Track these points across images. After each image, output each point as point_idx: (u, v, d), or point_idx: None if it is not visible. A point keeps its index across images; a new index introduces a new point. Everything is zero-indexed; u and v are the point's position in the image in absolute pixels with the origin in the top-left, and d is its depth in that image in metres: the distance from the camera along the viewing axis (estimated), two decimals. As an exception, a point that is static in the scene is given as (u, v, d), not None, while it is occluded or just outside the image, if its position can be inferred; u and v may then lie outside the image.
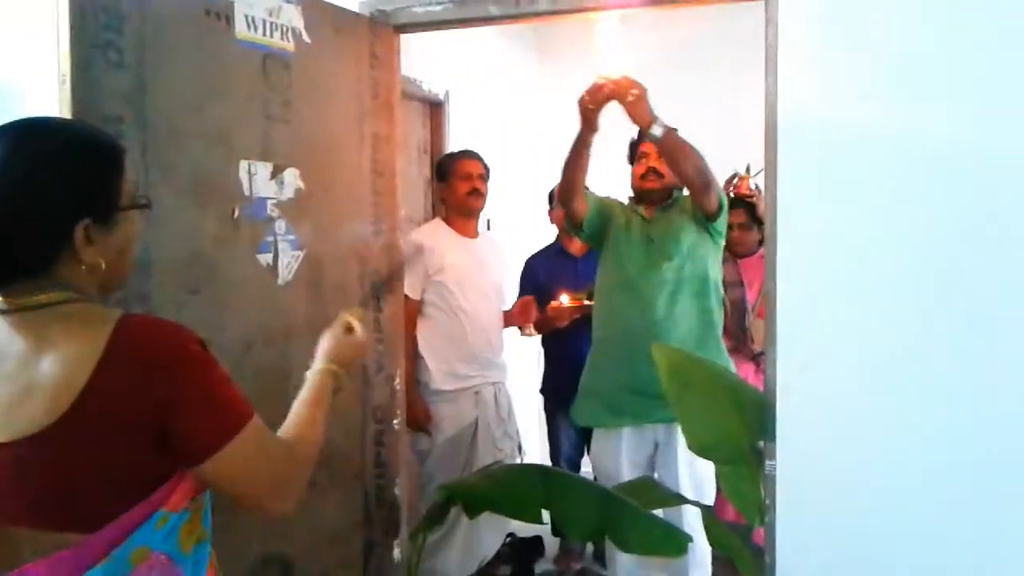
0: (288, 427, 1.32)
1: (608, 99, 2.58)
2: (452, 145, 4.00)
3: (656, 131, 2.56)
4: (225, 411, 1.19)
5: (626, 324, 2.77)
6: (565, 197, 2.90)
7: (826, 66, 1.79)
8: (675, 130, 2.62)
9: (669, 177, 2.84)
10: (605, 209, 2.95)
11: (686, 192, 2.86)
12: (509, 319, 3.40)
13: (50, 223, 1.15)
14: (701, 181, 2.66)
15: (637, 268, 2.78)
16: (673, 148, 2.62)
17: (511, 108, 4.77)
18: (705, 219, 2.75)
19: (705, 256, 2.80)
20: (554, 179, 3.99)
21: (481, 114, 4.33)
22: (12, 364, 1.13)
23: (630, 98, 2.53)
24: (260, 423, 1.23)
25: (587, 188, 3.68)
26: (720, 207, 2.72)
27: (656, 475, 2.76)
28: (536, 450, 4.07)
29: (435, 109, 4.05)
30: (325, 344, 1.50)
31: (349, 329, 1.53)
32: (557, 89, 5.02)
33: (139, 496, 1.15)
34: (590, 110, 2.61)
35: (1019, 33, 1.64)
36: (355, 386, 2.23)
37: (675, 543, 1.93)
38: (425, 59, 3.53)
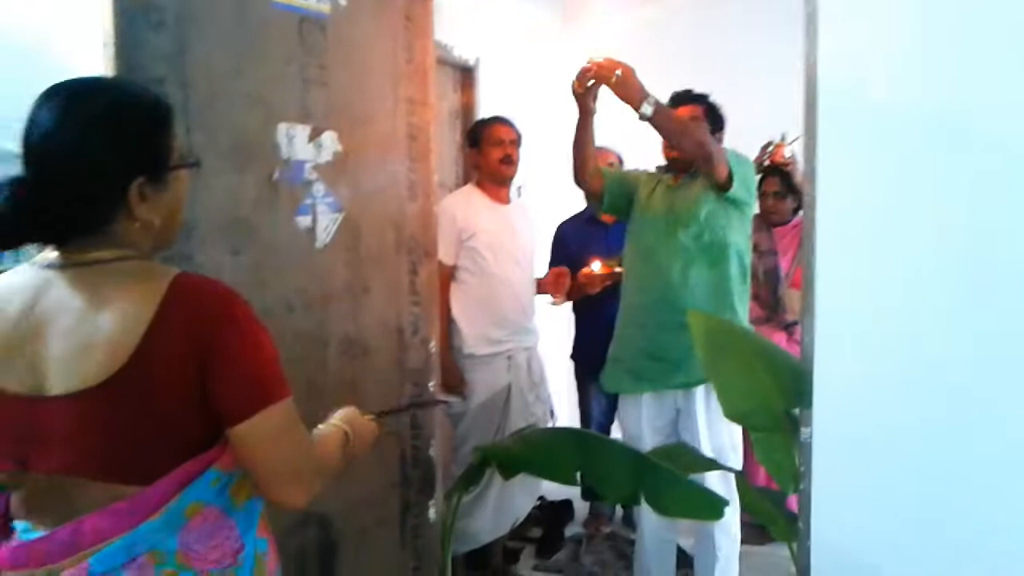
0: (313, 435, 1.35)
1: (594, 82, 2.62)
2: (483, 111, 3.99)
3: (646, 110, 2.54)
4: (261, 381, 1.21)
5: (645, 292, 2.80)
6: (577, 177, 2.98)
7: (868, 33, 1.75)
8: (665, 107, 2.63)
9: None
10: (628, 182, 2.96)
11: None
12: (541, 287, 3.40)
13: (106, 182, 1.18)
14: (701, 154, 2.66)
15: (655, 236, 2.79)
16: (665, 125, 2.62)
17: (539, 73, 4.74)
18: (714, 187, 2.73)
19: (726, 225, 2.77)
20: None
21: (511, 80, 4.31)
22: (70, 319, 1.16)
23: (614, 79, 2.54)
24: (293, 408, 1.24)
25: (610, 164, 3.70)
26: (730, 177, 2.70)
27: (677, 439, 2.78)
28: (566, 415, 4.09)
29: (466, 75, 4.04)
30: (344, 412, 1.48)
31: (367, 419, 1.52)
32: (582, 53, 5.00)
33: (193, 451, 1.19)
34: (580, 95, 2.68)
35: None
36: (392, 350, 2.25)
37: (713, 507, 1.94)
38: (455, 25, 3.52)
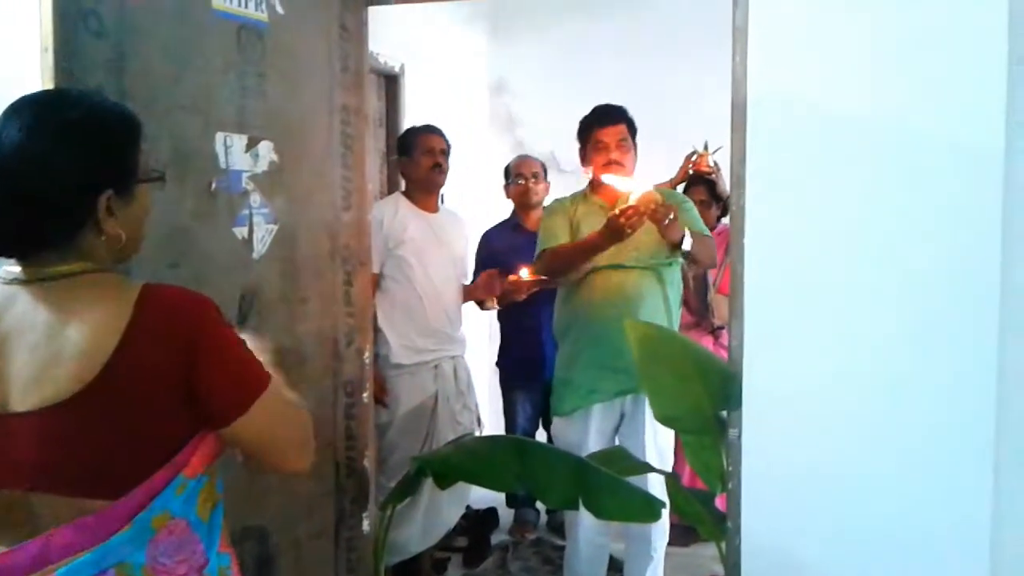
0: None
1: (644, 220, 2.58)
2: (407, 119, 4.00)
3: (687, 245, 2.65)
4: (247, 376, 1.24)
5: (597, 309, 2.83)
6: (557, 274, 2.97)
7: (795, 45, 1.84)
8: (699, 234, 2.75)
9: (629, 167, 2.87)
10: (564, 212, 2.97)
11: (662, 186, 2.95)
12: (471, 292, 3.42)
13: (75, 196, 1.17)
14: (710, 262, 2.91)
15: (606, 256, 2.78)
16: (698, 249, 2.74)
17: (463, 83, 4.78)
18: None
19: (668, 251, 2.83)
20: (508, 156, 4.04)
21: (435, 88, 4.33)
22: (36, 334, 1.14)
23: (667, 222, 2.57)
24: (277, 385, 1.28)
25: (534, 174, 3.77)
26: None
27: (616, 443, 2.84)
28: (491, 423, 4.12)
29: (390, 82, 4.04)
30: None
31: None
32: (508, 67, 5.07)
33: (160, 461, 1.18)
34: (618, 226, 2.58)
35: (991, 23, 1.71)
36: (327, 360, 2.24)
37: (651, 509, 1.99)
38: (381, 33, 3.52)
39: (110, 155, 1.20)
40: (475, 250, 3.81)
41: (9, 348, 1.15)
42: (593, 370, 2.86)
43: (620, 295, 2.81)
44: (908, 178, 1.79)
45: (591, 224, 2.86)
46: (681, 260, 2.91)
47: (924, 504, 1.82)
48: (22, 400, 1.13)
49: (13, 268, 1.19)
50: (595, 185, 2.96)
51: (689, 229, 2.73)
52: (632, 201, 2.56)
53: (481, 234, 3.89)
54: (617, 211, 2.58)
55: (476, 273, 3.63)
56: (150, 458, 1.18)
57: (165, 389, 1.17)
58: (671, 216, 2.56)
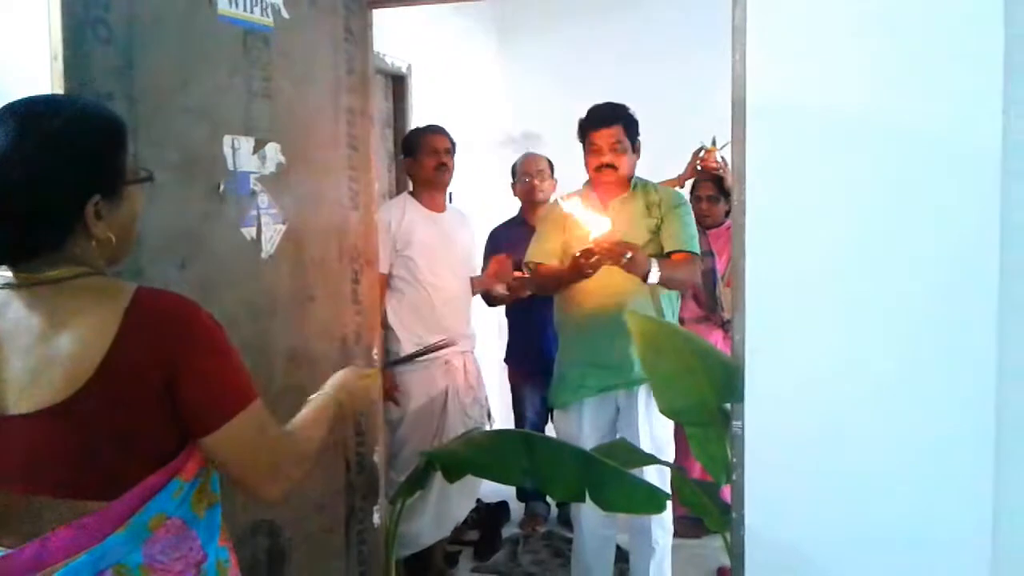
0: (291, 425, 1.39)
1: (604, 262, 2.63)
2: (414, 119, 4.03)
3: (654, 277, 2.68)
4: (230, 390, 1.24)
5: (584, 307, 2.88)
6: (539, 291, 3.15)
7: (794, 43, 1.86)
8: (666, 263, 2.78)
9: (624, 169, 2.90)
10: (559, 228, 3.00)
11: (645, 182, 2.97)
12: (482, 283, 3.45)
13: (63, 202, 1.18)
14: (689, 283, 2.98)
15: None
16: (674, 278, 2.80)
17: (471, 83, 4.80)
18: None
19: (660, 245, 2.90)
20: (516, 154, 4.07)
21: (442, 89, 4.36)
22: (30, 338, 1.16)
23: (623, 261, 2.61)
24: (262, 408, 1.27)
25: (539, 171, 3.81)
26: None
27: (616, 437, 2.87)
28: (500, 418, 4.16)
29: (397, 83, 4.07)
30: (339, 375, 1.56)
31: (362, 376, 1.59)
32: (515, 69, 5.10)
33: (156, 464, 1.20)
34: (580, 268, 2.65)
35: (987, 20, 1.73)
36: (336, 357, 2.28)
37: (656, 501, 2.02)
38: (387, 33, 3.55)
39: (95, 161, 1.20)
40: (483, 247, 3.85)
41: (4, 352, 1.16)
42: (581, 366, 2.92)
43: (606, 294, 2.84)
44: (907, 173, 1.80)
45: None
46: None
47: (925, 494, 1.84)
48: (17, 403, 1.15)
49: (4, 273, 1.20)
50: (594, 183, 2.99)
51: (666, 250, 2.82)
52: (590, 242, 2.62)
53: (489, 232, 3.92)
54: (578, 253, 2.65)
55: (484, 270, 3.66)
56: (144, 460, 1.19)
57: (155, 393, 1.17)
58: (628, 256, 2.60)
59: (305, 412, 1.44)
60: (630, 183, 2.95)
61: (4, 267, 1.21)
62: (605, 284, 2.82)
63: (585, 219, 2.69)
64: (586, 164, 2.96)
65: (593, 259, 2.60)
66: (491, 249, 3.84)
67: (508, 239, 3.81)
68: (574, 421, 2.95)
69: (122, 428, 1.17)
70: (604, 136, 2.87)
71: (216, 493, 1.31)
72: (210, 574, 1.26)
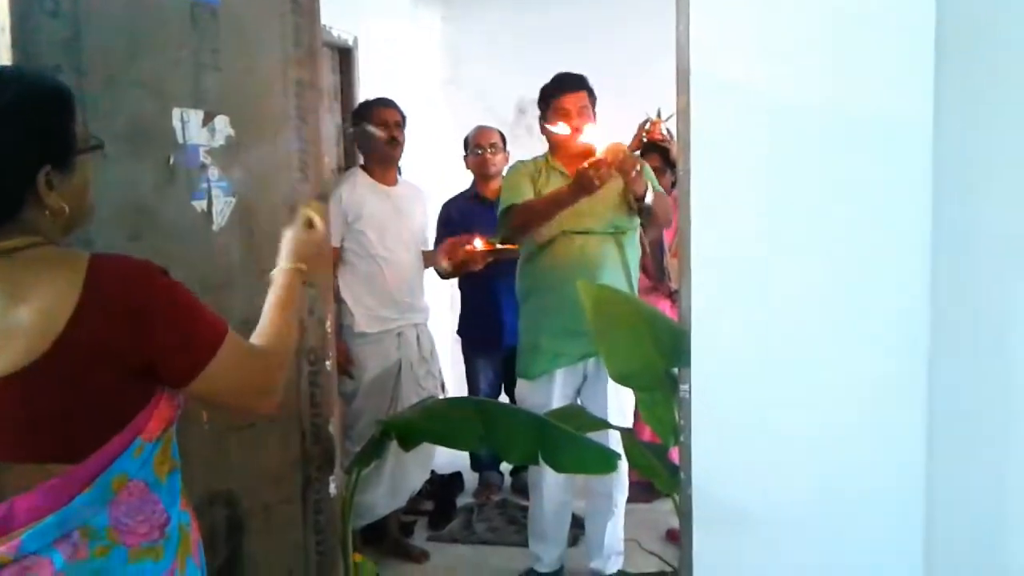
0: (262, 332, 1.41)
1: (611, 171, 2.65)
2: (361, 92, 4.02)
3: (649, 199, 2.71)
4: (202, 333, 1.28)
5: (561, 274, 2.88)
6: (521, 234, 2.99)
7: (734, 15, 1.90)
8: (661, 193, 2.81)
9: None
10: (528, 178, 3.03)
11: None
12: (430, 260, 3.47)
13: (14, 173, 1.19)
14: (666, 220, 2.96)
15: (567, 223, 2.89)
16: (658, 206, 2.81)
17: (417, 55, 4.79)
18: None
19: (630, 217, 2.98)
20: (465, 128, 4.08)
21: (388, 61, 4.35)
22: None
23: (633, 174, 2.64)
24: (235, 336, 1.32)
25: (492, 144, 3.83)
26: None
27: (580, 404, 2.93)
28: (453, 390, 4.20)
29: (344, 55, 4.05)
30: (288, 242, 1.56)
31: (309, 225, 1.60)
32: (458, 43, 5.10)
33: (118, 426, 1.22)
34: (587, 179, 2.65)
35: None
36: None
37: (606, 461, 2.08)
38: (334, 6, 3.53)
39: (45, 131, 1.21)
40: (435, 220, 3.87)
41: None
42: (558, 335, 2.94)
43: (582, 261, 2.88)
44: (847, 144, 1.86)
45: (554, 185, 2.95)
46: (638, 224, 3.00)
47: (863, 452, 1.91)
48: None
49: None
50: (555, 150, 3.02)
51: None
52: (600, 154, 2.62)
53: (441, 204, 3.94)
54: (586, 164, 2.64)
55: (437, 242, 3.68)
56: (107, 423, 1.22)
57: (118, 357, 1.20)
58: (637, 168, 2.63)
59: (272, 299, 1.47)
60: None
61: None
62: (581, 249, 2.87)
63: (594, 140, 2.70)
64: (548, 131, 3.00)
65: (603, 169, 2.61)
66: (443, 221, 3.87)
67: (460, 211, 3.84)
68: (544, 391, 2.98)
69: (85, 392, 1.20)
70: (572, 100, 2.92)
71: (176, 460, 1.34)
72: (173, 536, 1.29)
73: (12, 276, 1.19)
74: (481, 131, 3.97)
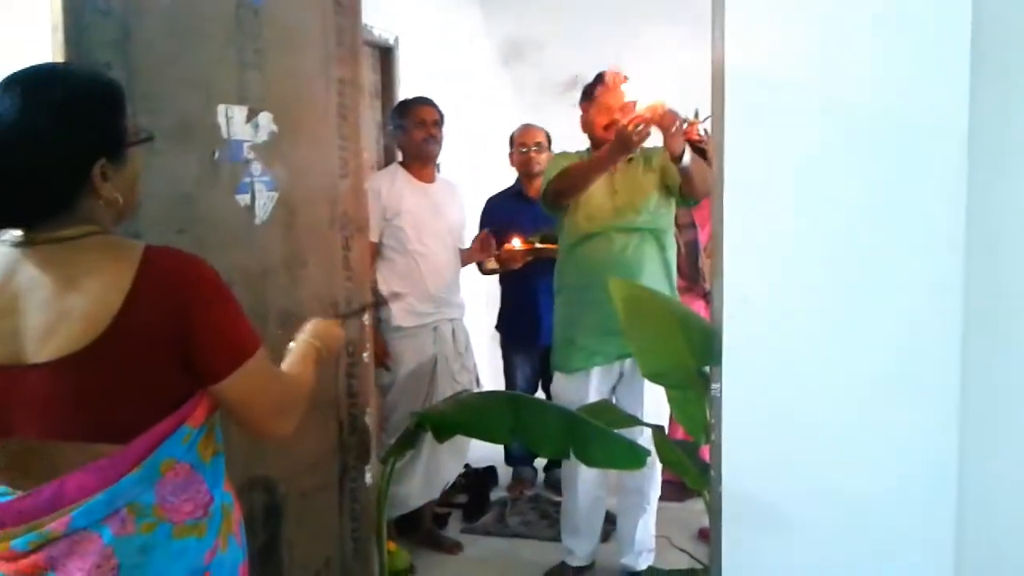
0: (285, 367, 1.48)
1: (650, 128, 2.64)
2: (402, 91, 4.08)
3: (687, 160, 2.68)
4: (241, 337, 1.33)
5: (598, 272, 2.87)
6: (562, 200, 2.98)
7: (769, 18, 1.91)
8: (696, 156, 2.76)
9: None
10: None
11: (648, 147, 3.01)
12: (470, 256, 3.52)
13: (71, 166, 1.25)
14: (707, 191, 2.78)
15: (606, 218, 2.93)
16: (697, 171, 2.75)
17: (457, 54, 4.84)
18: (683, 201, 2.97)
19: (667, 212, 3.01)
20: (509, 125, 4.11)
21: (429, 60, 4.40)
22: (46, 292, 1.23)
23: (673, 130, 2.62)
24: (265, 353, 1.36)
25: (537, 144, 3.84)
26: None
27: (615, 403, 2.95)
28: (490, 385, 4.24)
29: (385, 55, 4.10)
30: (309, 325, 1.64)
31: (334, 325, 1.69)
32: (500, 44, 5.14)
33: (166, 411, 1.28)
34: (627, 135, 2.64)
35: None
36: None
37: (635, 456, 2.10)
38: (375, 5, 3.59)
39: (99, 126, 1.27)
40: (479, 217, 3.91)
41: (23, 305, 1.23)
42: (596, 334, 2.96)
43: (622, 260, 2.91)
44: (881, 145, 1.86)
45: (598, 185, 2.97)
46: (673, 221, 3.01)
47: (894, 451, 1.91)
48: (36, 353, 1.22)
49: (16, 233, 1.28)
50: (596, 144, 3.05)
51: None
52: (640, 110, 2.62)
53: (485, 201, 3.98)
54: (625, 120, 2.63)
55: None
56: (155, 407, 1.27)
57: (166, 345, 1.26)
58: (677, 124, 2.61)
59: (292, 358, 1.54)
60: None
61: (16, 229, 1.28)
62: (622, 248, 2.90)
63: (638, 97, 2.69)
64: (590, 126, 3.03)
65: (642, 125, 2.60)
66: (486, 219, 3.91)
67: (504, 208, 3.88)
68: (580, 387, 3.00)
69: (135, 375, 1.25)
70: (616, 96, 2.93)
71: (220, 443, 1.40)
72: (216, 515, 1.34)
73: (70, 262, 1.25)
74: (526, 129, 3.99)
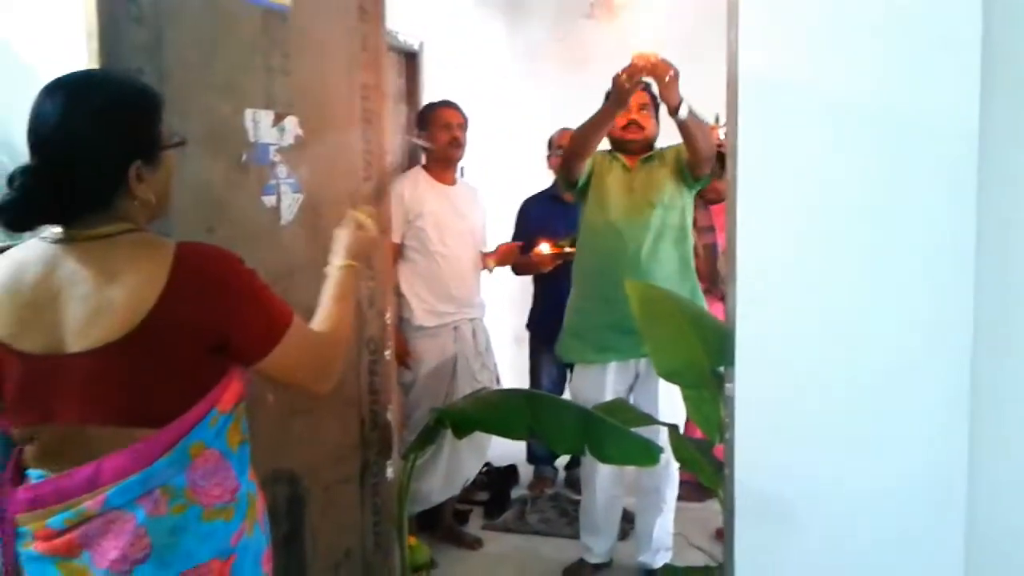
0: (320, 321, 1.54)
1: (643, 77, 2.68)
2: (426, 96, 4.14)
3: (683, 112, 2.71)
4: (274, 317, 1.42)
5: (612, 267, 2.94)
6: (573, 162, 3.04)
7: (782, 24, 1.95)
8: (695, 112, 2.78)
9: (650, 129, 3.03)
10: (592, 164, 3.12)
11: (664, 147, 3.05)
12: (490, 260, 3.58)
13: (109, 167, 1.33)
14: (709, 155, 2.87)
15: (622, 214, 2.98)
16: (695, 127, 2.78)
17: (482, 59, 4.90)
18: (692, 178, 2.98)
19: (683, 207, 3.04)
20: (538, 129, 4.16)
21: (454, 65, 4.45)
22: (85, 286, 1.31)
23: (667, 79, 2.65)
24: (300, 322, 1.46)
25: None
26: (711, 173, 2.95)
27: (632, 402, 2.99)
28: (513, 384, 4.29)
29: (409, 60, 4.17)
30: (341, 240, 1.71)
31: (359, 226, 1.75)
32: (523, 48, 5.19)
33: (197, 397, 1.35)
34: (626, 89, 2.69)
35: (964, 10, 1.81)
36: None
37: (649, 454, 2.14)
38: (399, 11, 3.65)
39: (136, 130, 1.36)
40: (514, 218, 3.98)
41: (63, 297, 1.31)
42: (608, 331, 3.00)
43: (636, 255, 2.95)
44: (892, 149, 1.88)
45: (615, 176, 3.04)
46: (691, 217, 3.03)
47: (906, 449, 1.93)
48: (75, 342, 1.30)
49: (56, 230, 1.36)
50: (616, 144, 3.10)
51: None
52: (634, 56, 2.66)
53: (520, 202, 4.05)
54: (623, 73, 2.68)
55: (515, 239, 3.81)
56: (188, 394, 1.35)
57: (199, 334, 1.34)
58: (671, 74, 2.65)
59: (327, 292, 1.61)
60: (652, 147, 3.08)
61: (57, 226, 1.36)
62: (637, 245, 2.94)
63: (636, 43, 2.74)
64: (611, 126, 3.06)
65: (634, 72, 2.65)
66: (522, 221, 3.96)
67: (539, 211, 3.93)
68: (596, 384, 3.05)
69: (169, 364, 1.33)
70: (634, 97, 2.96)
71: (246, 433, 1.47)
72: (242, 501, 1.42)
73: (108, 258, 1.33)
74: (564, 132, 4.00)
